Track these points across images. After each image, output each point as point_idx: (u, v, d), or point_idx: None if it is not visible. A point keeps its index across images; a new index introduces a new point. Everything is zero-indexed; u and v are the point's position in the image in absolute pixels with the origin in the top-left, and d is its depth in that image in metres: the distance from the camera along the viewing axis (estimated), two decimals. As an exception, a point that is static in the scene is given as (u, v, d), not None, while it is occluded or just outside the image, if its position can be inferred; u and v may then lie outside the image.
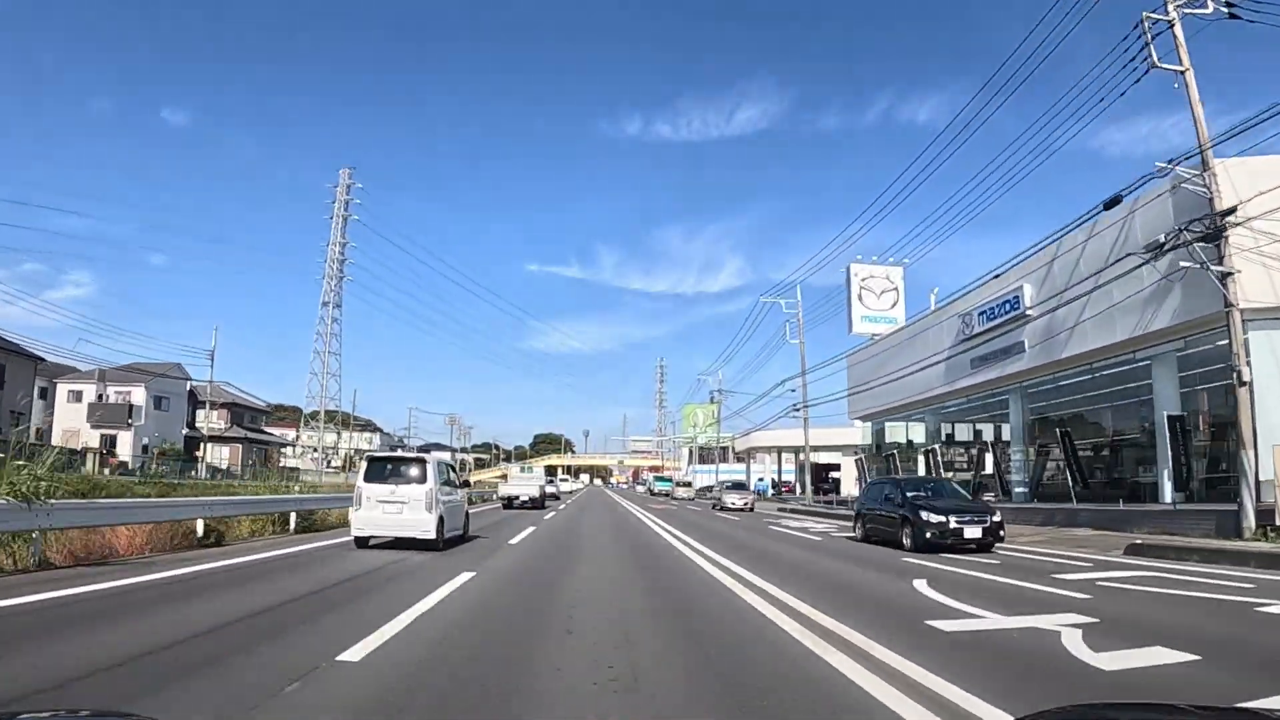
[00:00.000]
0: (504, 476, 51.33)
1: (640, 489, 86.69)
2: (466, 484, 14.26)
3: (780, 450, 63.89)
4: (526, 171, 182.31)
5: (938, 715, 3.69)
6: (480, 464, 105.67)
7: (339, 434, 58.07)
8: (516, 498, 31.23)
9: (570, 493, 71.17)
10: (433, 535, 12.06)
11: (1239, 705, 2.62)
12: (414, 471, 12.45)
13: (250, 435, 57.60)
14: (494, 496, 38.68)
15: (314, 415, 53.53)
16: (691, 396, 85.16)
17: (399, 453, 12.96)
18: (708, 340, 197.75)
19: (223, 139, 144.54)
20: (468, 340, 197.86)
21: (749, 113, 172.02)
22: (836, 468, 59.72)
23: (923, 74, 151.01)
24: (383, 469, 12.66)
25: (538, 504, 31.25)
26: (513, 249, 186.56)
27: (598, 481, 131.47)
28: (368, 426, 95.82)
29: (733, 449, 71.65)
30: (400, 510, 12.19)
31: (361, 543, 12.47)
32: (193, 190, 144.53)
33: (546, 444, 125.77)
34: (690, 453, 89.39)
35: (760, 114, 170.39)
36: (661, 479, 69.60)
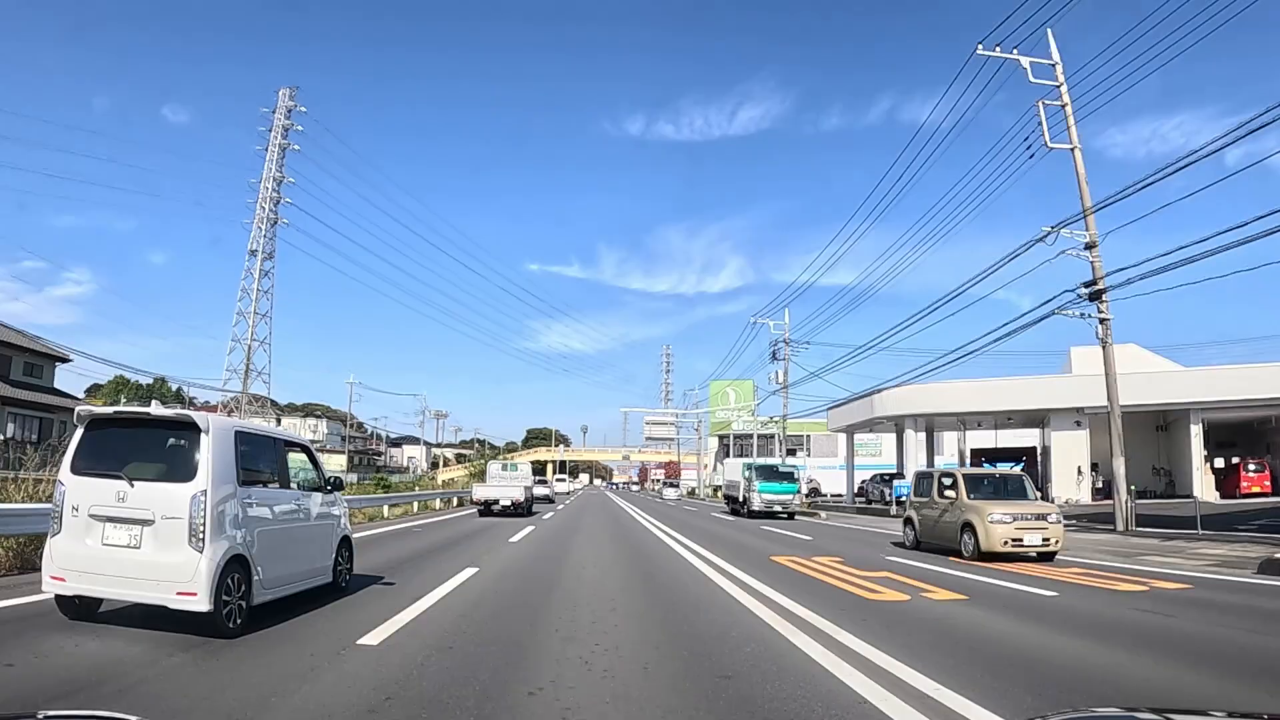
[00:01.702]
0: (475, 475, 43.93)
1: (671, 495, 57.90)
2: (335, 484, 7.22)
3: (916, 423, 34.02)
4: (527, 170, 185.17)
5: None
6: (461, 459, 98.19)
7: (278, 419, 50.57)
8: (495, 502, 25.24)
9: (568, 493, 63.93)
10: (203, 601, 5.20)
11: (1240, 711, 2.35)
12: (173, 450, 5.60)
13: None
14: (462, 501, 31.94)
15: (247, 395, 45.17)
16: (724, 371, 70.91)
17: (153, 410, 5.82)
18: (709, 341, 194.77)
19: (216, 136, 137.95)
20: (457, 325, 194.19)
21: (751, 112, 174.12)
22: (1018, 456, 35.70)
23: (926, 73, 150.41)
24: (111, 446, 5.80)
25: (522, 509, 25.46)
26: (513, 248, 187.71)
27: (598, 482, 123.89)
28: (316, 412, 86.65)
29: (781, 436, 47.31)
30: (137, 540, 5.36)
31: (73, 609, 5.72)
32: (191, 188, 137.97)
33: (539, 440, 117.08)
34: (724, 443, 71.34)
35: (763, 114, 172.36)
36: (776, 477, 29.36)
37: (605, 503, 42.65)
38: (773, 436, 51.21)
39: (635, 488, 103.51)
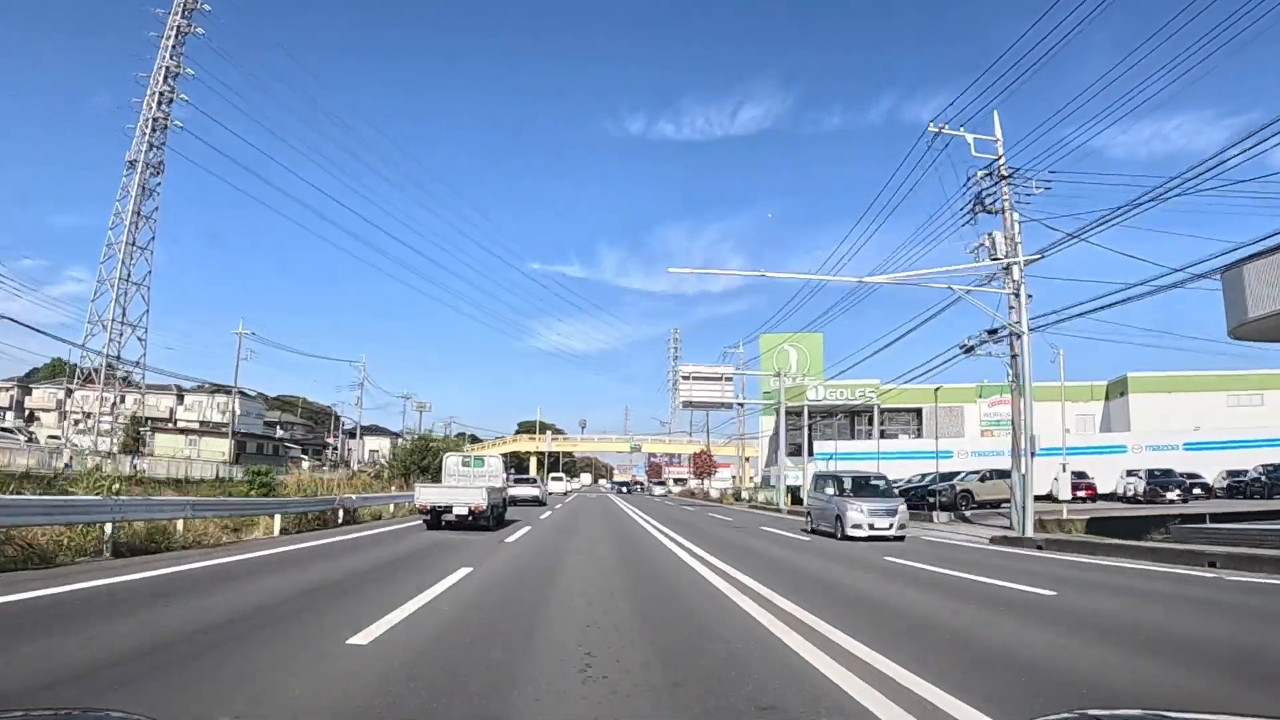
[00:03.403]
0: (411, 474, 35.55)
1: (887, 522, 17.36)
2: None
3: None
4: (527, 170, 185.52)
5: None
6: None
7: (180, 397, 42.75)
8: (448, 509, 18.11)
9: (564, 494, 56.63)
10: None
11: (1239, 713, 2.20)
12: None
13: None
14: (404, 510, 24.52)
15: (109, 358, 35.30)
16: (777, 324, 44.09)
17: None
18: (710, 342, 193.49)
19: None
20: (444, 298, 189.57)
21: (752, 112, 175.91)
22: None
23: (927, 72, 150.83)
24: None
25: (485, 519, 18.08)
26: (513, 248, 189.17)
27: (601, 482, 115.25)
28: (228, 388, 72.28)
29: (1024, 373, 20.11)
30: None
31: None
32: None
33: (530, 433, 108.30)
34: (777, 427, 44.52)
35: (764, 113, 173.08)
36: None
37: (617, 528, 20.96)
38: (866, 411, 32.29)
39: (658, 490, 71.08)
